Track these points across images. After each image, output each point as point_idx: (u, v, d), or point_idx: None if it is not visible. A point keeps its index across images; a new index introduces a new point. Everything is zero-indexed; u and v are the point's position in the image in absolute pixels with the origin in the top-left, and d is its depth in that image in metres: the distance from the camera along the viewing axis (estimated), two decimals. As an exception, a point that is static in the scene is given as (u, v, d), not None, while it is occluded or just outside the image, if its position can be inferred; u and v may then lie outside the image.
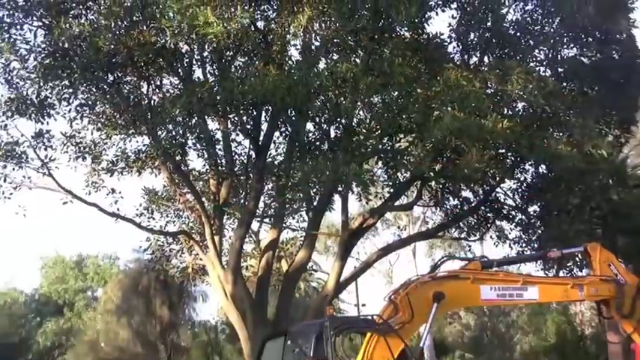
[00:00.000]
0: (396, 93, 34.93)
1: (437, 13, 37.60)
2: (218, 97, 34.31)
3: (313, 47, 35.97)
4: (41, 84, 35.34)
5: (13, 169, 36.40)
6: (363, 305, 58.40)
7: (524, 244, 39.81)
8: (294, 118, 35.89)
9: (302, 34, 35.03)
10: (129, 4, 33.25)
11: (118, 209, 38.65)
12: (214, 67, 36.17)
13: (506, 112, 35.37)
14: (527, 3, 37.91)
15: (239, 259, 37.20)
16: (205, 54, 35.88)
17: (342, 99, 34.94)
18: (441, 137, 32.85)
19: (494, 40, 37.36)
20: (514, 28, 37.75)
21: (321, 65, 35.67)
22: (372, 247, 50.14)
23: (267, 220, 39.63)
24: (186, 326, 64.72)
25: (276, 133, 37.67)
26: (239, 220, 37.49)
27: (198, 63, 36.34)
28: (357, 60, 35.31)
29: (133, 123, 36.46)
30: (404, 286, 23.54)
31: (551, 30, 37.94)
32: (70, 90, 36.05)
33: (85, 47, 33.26)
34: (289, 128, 37.11)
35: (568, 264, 32.54)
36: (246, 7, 32.75)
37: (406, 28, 36.20)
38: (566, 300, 36.84)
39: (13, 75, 35.30)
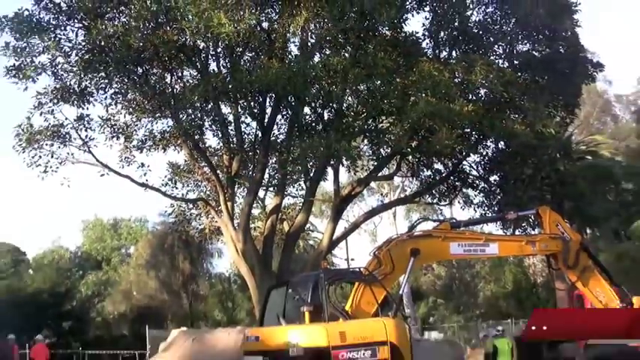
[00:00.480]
0: (379, 82, 34.94)
1: (412, 15, 37.87)
2: (230, 86, 34.38)
3: (309, 44, 36.02)
4: (82, 76, 35.46)
5: (59, 147, 36.39)
6: (352, 259, 58.27)
7: (486, 208, 39.88)
8: (293, 103, 35.92)
9: (300, 33, 35.25)
10: (155, 9, 33.17)
11: (146, 180, 38.63)
12: (226, 61, 36.06)
13: (470, 97, 35.41)
14: (488, 6, 37.87)
15: (248, 221, 37.23)
16: (219, 50, 35.76)
17: (333, 87, 34.97)
18: (417, 119, 33.10)
19: (460, 38, 37.47)
20: (477, 27, 37.80)
21: (316, 59, 35.81)
22: (359, 211, 50.25)
23: (271, 188, 39.58)
24: (204, 278, 64.56)
25: (279, 116, 37.63)
26: (248, 188, 37.45)
27: (213, 57, 36.22)
28: (346, 54, 35.22)
29: (159, 108, 36.41)
30: (386, 244, 23.72)
31: (508, 29, 37.99)
32: (106, 81, 36.23)
33: (118, 45, 33.16)
34: (289, 112, 37.10)
35: (523, 224, 32.59)
36: (252, 11, 32.67)
37: (387, 28, 36.23)
38: (521, 254, 36.84)
39: (58, 68, 35.25)
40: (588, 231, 48.18)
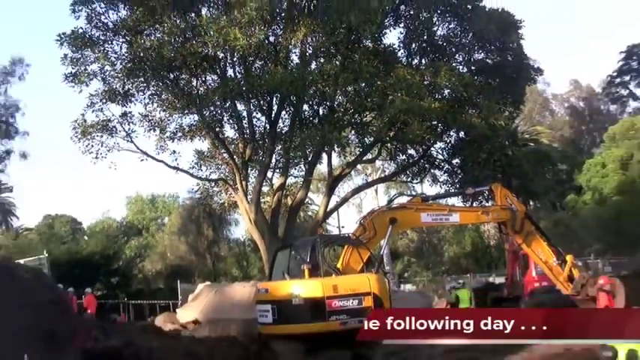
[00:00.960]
0: (363, 84, 35.17)
1: (390, 30, 38.22)
2: (244, 88, 34.38)
3: (307, 54, 35.87)
4: (125, 80, 35.62)
5: (107, 138, 36.37)
6: (342, 227, 58.14)
7: (449, 185, 39.79)
8: (294, 101, 35.83)
9: (299, 45, 35.13)
10: (183, 27, 33.41)
11: (177, 164, 38.58)
12: (241, 68, 35.89)
13: (437, 96, 35.31)
14: (450, 23, 37.69)
15: (259, 196, 37.16)
16: (234, 59, 35.57)
17: (327, 89, 35.14)
18: (394, 114, 33.37)
19: (428, 48, 37.46)
20: (442, 40, 37.73)
21: (313, 66, 35.85)
22: (348, 188, 50.09)
23: (277, 170, 39.41)
24: (224, 242, 64.35)
25: (283, 112, 37.44)
26: (258, 170, 37.32)
27: (230, 65, 36.05)
28: (337, 62, 35.24)
29: (187, 106, 36.26)
30: (369, 214, 23.80)
31: (466, 41, 37.92)
32: (144, 84, 36.38)
33: (154, 55, 33.33)
34: (292, 108, 36.93)
35: (479, 198, 32.53)
36: (261, 28, 33.00)
37: (369, 41, 36.29)
38: (477, 222, 37.15)
39: (106, 75, 35.46)
40: (531, 203, 48.11)
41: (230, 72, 36.03)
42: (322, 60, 36.24)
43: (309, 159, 38.27)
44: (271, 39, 35.41)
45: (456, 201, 35.56)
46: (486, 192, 28.21)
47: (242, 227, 61.85)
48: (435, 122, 36.37)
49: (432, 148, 40.01)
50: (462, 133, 38.10)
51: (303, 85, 33.20)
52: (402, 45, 37.72)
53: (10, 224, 62.42)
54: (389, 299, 20.29)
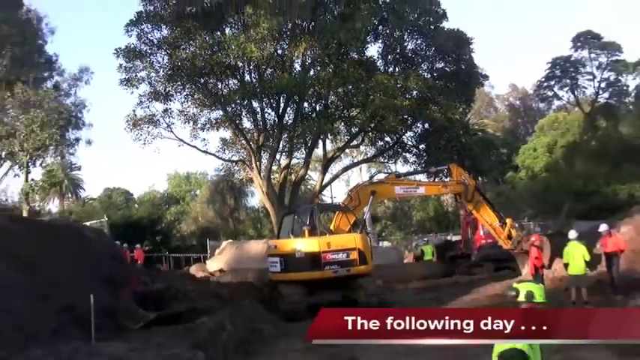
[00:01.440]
0: (350, 87, 35.26)
1: (371, 45, 38.05)
2: (258, 90, 34.46)
3: (307, 63, 35.75)
4: (166, 84, 35.56)
5: (152, 128, 36.41)
6: (334, 198, 58.28)
7: (417, 165, 39.64)
8: (297, 100, 35.80)
9: (301, 57, 35.01)
10: (211, 42, 33.42)
11: (207, 149, 38.65)
12: (255, 74, 35.72)
13: (407, 96, 35.23)
14: (418, 39, 37.55)
15: (269, 174, 37.16)
16: (251, 67, 35.45)
17: (322, 90, 35.12)
18: (374, 110, 33.52)
19: (400, 59, 37.26)
20: (411, 53, 37.54)
21: (311, 73, 35.61)
22: (338, 167, 50.04)
23: (284, 153, 39.38)
24: (243, 209, 64.29)
25: (288, 109, 37.32)
26: (269, 154, 37.29)
27: (247, 72, 35.94)
28: (330, 70, 35.09)
29: (214, 104, 36.24)
30: (355, 187, 23.92)
31: (430, 53, 37.77)
32: (181, 87, 36.23)
33: (189, 65, 33.38)
34: (295, 106, 36.83)
35: (440, 175, 32.53)
36: (272, 43, 32.90)
37: (355, 53, 36.11)
38: (439, 194, 37.35)
39: (152, 80, 35.39)
40: (480, 179, 48.05)
41: (247, 77, 35.93)
42: (318, 68, 36.05)
43: (309, 145, 38.30)
44: (279, 52, 35.23)
45: (422, 177, 35.62)
46: (445, 170, 28.20)
47: (257, 198, 61.73)
48: (406, 116, 36.30)
49: (403, 137, 39.92)
50: (427, 124, 37.99)
51: (304, 88, 33.43)
52: (380, 56, 37.57)
53: (79, 195, 62.47)
54: (370, 253, 20.44)
